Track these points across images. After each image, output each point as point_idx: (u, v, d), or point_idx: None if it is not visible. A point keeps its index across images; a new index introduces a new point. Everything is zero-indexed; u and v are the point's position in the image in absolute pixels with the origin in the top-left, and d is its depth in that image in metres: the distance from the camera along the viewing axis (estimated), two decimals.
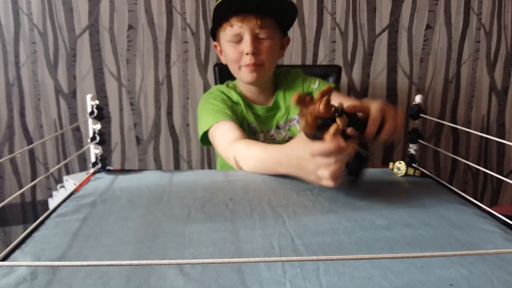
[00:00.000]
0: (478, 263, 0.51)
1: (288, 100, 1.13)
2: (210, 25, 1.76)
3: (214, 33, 1.11)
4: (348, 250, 0.54)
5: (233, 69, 1.08)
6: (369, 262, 0.51)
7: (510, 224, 0.62)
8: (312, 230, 0.60)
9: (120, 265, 0.48)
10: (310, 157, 0.67)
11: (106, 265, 0.48)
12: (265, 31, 1.01)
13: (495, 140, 1.93)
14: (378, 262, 0.51)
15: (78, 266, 0.48)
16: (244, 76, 1.06)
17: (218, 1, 0.99)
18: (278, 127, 1.13)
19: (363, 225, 0.62)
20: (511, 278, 0.47)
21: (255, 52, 1.01)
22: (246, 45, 1.01)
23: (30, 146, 0.63)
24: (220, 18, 1.03)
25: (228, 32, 1.03)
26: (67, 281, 0.47)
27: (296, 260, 0.44)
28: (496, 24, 1.80)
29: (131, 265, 0.46)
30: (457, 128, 1.92)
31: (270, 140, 1.13)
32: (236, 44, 1.03)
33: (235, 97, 1.12)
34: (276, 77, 1.16)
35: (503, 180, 1.94)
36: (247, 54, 1.01)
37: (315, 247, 0.55)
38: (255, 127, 1.11)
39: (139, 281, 0.46)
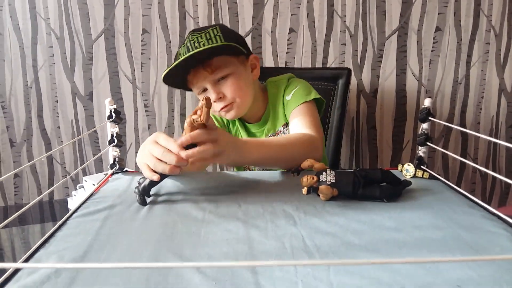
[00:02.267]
0: (486, 265, 0.52)
1: (275, 112, 1.14)
2: None
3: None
4: (358, 251, 0.56)
5: (215, 113, 1.11)
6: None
7: None
8: (322, 231, 0.62)
9: (140, 267, 0.50)
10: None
11: (127, 267, 0.51)
12: (219, 72, 1.01)
13: (503, 141, 1.93)
14: (387, 264, 0.53)
15: (99, 268, 0.51)
16: (224, 117, 1.10)
17: (163, 76, 1.00)
18: None
19: (372, 227, 0.64)
20: None
21: (221, 97, 1.03)
22: (210, 94, 1.02)
23: (50, 152, 0.66)
24: (178, 86, 1.09)
25: (193, 89, 1.06)
26: (90, 279, 0.49)
27: (309, 264, 0.46)
28: (506, 25, 1.80)
29: (150, 267, 0.49)
30: (466, 128, 1.92)
31: None
32: (204, 93, 1.05)
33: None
34: (266, 89, 1.18)
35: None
36: (214, 101, 1.03)
37: (326, 248, 0.57)
38: None
39: (158, 279, 0.49)
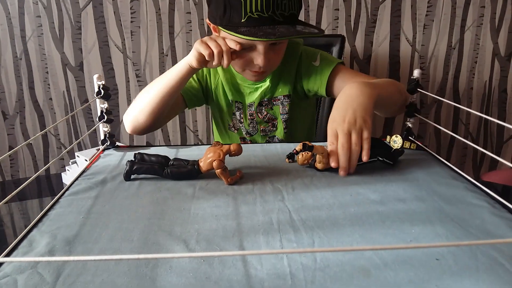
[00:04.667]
0: (464, 237, 0.55)
1: (278, 76, 1.04)
2: None
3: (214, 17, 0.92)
4: (342, 225, 0.58)
5: (234, 66, 1.00)
6: (361, 236, 0.55)
7: (500, 194, 0.65)
8: (309, 205, 0.64)
9: (124, 259, 0.52)
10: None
11: (111, 260, 0.53)
12: (282, 40, 0.92)
13: (496, 106, 1.94)
14: (369, 236, 0.55)
15: (84, 260, 0.52)
16: (246, 75, 1.01)
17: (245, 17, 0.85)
18: (261, 104, 1.06)
19: (357, 200, 0.66)
20: (493, 251, 0.50)
21: (267, 63, 0.93)
22: (259, 58, 0.91)
23: (45, 130, 0.66)
24: (234, 26, 0.87)
25: (237, 38, 0.86)
26: (84, 254, 0.51)
27: (298, 252, 0.48)
28: None
29: (138, 258, 0.50)
30: (458, 94, 1.93)
31: (248, 119, 1.08)
32: (244, 48, 0.90)
33: (219, 68, 1.05)
34: None
35: (502, 145, 1.96)
36: (257, 64, 0.93)
37: (311, 223, 0.59)
38: (232, 103, 1.08)
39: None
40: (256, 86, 1.06)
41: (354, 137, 0.72)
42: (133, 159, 0.76)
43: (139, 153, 0.77)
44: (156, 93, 0.94)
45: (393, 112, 0.97)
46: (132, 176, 0.75)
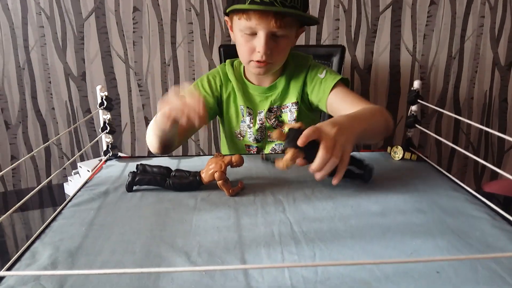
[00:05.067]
0: (464, 250, 0.55)
1: (287, 85, 1.09)
2: (215, 5, 1.77)
3: (227, 10, 1.02)
4: (343, 237, 0.58)
5: (242, 59, 1.05)
6: (361, 249, 0.55)
7: (502, 205, 0.65)
8: (310, 217, 0.64)
9: (126, 273, 0.52)
10: None
11: (112, 273, 0.53)
12: (282, 30, 0.95)
13: (496, 116, 1.95)
14: (370, 248, 0.56)
15: (86, 274, 0.53)
16: (251, 68, 1.03)
17: None
18: (270, 110, 1.10)
19: (358, 212, 0.66)
20: (494, 264, 0.51)
21: (268, 52, 0.97)
22: (260, 44, 0.95)
23: (47, 143, 0.67)
24: (237, 8, 0.95)
25: (242, 22, 0.95)
26: (85, 268, 0.51)
27: (300, 266, 0.48)
28: None
29: (141, 272, 0.51)
30: (459, 103, 1.93)
31: (258, 124, 1.10)
32: (249, 36, 0.97)
33: (231, 75, 1.10)
34: (285, 60, 1.10)
35: (503, 154, 1.96)
36: (258, 52, 0.97)
37: (312, 235, 0.59)
38: (243, 109, 1.10)
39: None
40: (267, 94, 1.09)
41: (336, 152, 0.68)
42: (135, 170, 0.77)
43: (141, 164, 0.78)
44: (154, 136, 0.93)
45: (374, 141, 0.98)
46: (134, 187, 0.76)
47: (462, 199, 0.70)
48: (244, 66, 1.12)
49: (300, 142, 0.65)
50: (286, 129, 0.70)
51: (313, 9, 1.78)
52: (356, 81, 1.87)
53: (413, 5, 1.79)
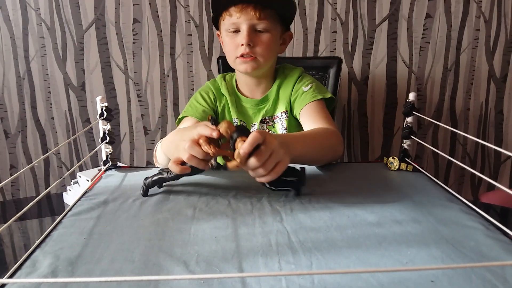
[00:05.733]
0: (459, 259, 0.56)
1: (278, 95, 1.11)
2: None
3: (216, 22, 1.09)
4: (339, 247, 0.59)
5: (229, 59, 1.07)
6: (358, 258, 0.56)
7: (499, 216, 0.66)
8: (307, 227, 0.65)
9: (125, 280, 0.53)
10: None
11: (113, 281, 0.54)
12: (263, 22, 0.99)
13: (493, 126, 1.97)
14: (366, 258, 0.56)
15: (86, 282, 0.53)
16: (238, 66, 1.05)
17: None
18: (263, 122, 1.12)
19: (355, 221, 0.67)
20: (488, 274, 0.51)
21: (251, 44, 1.00)
22: (242, 36, 1.00)
23: (47, 154, 0.68)
24: (219, 7, 1.02)
25: (226, 21, 1.01)
26: (85, 276, 0.52)
27: (296, 274, 0.49)
28: (496, 12, 1.81)
29: (142, 280, 0.51)
30: (455, 115, 1.95)
31: None
32: (233, 34, 1.02)
33: (224, 89, 1.12)
34: (276, 72, 1.15)
35: (499, 165, 1.98)
36: (242, 45, 1.00)
37: (309, 245, 0.60)
38: (237, 122, 1.12)
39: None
40: (259, 107, 1.11)
41: (267, 165, 0.69)
42: (148, 176, 0.79)
43: (146, 177, 0.79)
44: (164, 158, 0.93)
45: (317, 164, 0.97)
46: (135, 198, 0.77)
47: (457, 210, 0.71)
48: (236, 79, 1.14)
49: (248, 145, 0.66)
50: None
51: (311, 22, 1.81)
52: (353, 92, 1.89)
53: (409, 18, 1.82)
